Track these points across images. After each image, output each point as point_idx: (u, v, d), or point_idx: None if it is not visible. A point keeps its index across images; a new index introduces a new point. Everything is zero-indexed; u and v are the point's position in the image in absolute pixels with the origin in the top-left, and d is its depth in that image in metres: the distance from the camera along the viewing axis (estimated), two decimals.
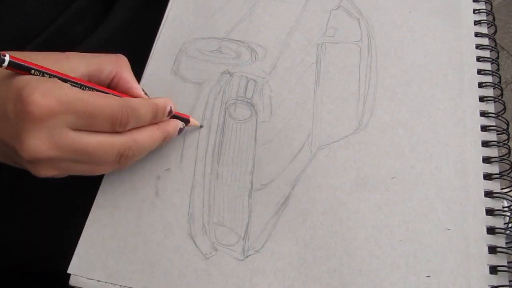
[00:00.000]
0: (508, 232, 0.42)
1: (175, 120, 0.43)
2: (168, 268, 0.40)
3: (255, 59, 0.49)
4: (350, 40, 0.50)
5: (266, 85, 0.47)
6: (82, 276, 0.40)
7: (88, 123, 0.35)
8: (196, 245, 0.41)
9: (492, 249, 0.41)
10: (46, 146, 0.33)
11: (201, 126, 0.46)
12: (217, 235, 0.41)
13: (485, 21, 0.52)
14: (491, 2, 0.54)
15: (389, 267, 0.40)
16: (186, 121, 0.44)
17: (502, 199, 0.44)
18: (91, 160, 0.36)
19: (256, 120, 0.46)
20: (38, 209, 0.49)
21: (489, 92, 0.48)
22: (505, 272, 0.40)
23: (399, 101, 0.47)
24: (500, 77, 0.50)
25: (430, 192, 0.43)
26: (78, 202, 0.42)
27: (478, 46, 0.50)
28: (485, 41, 0.51)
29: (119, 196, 0.43)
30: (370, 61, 0.49)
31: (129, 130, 0.38)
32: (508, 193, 0.46)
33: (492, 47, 0.50)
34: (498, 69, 0.50)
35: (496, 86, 0.48)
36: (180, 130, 0.43)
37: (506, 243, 0.41)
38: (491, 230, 0.42)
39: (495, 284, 0.40)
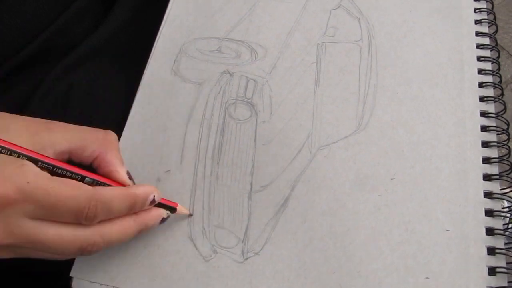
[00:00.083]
0: (507, 233, 0.42)
1: (157, 209, 0.39)
2: (168, 271, 0.40)
3: (255, 59, 0.49)
4: (350, 40, 0.50)
5: (266, 85, 0.47)
6: (84, 279, 0.40)
7: (50, 214, 0.32)
8: (196, 247, 0.41)
9: (491, 250, 0.41)
10: (0, 234, 0.31)
11: (191, 215, 0.42)
12: (217, 237, 0.41)
13: (486, 20, 0.52)
14: (492, 1, 0.54)
15: (388, 268, 0.40)
16: (172, 209, 0.40)
17: (501, 200, 0.44)
18: (50, 251, 0.33)
19: (256, 120, 0.46)
20: None
21: (489, 92, 0.48)
22: (503, 274, 0.40)
23: (399, 101, 0.47)
24: (500, 77, 0.50)
25: (430, 193, 0.43)
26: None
27: (478, 46, 0.50)
28: (485, 40, 0.51)
29: None
30: (370, 61, 0.49)
31: (98, 222, 0.35)
32: (507, 194, 0.46)
33: (493, 46, 0.50)
34: (498, 69, 0.50)
35: (496, 86, 0.48)
36: (163, 219, 0.40)
37: (505, 244, 0.41)
38: (490, 231, 0.42)
39: (493, 285, 0.40)
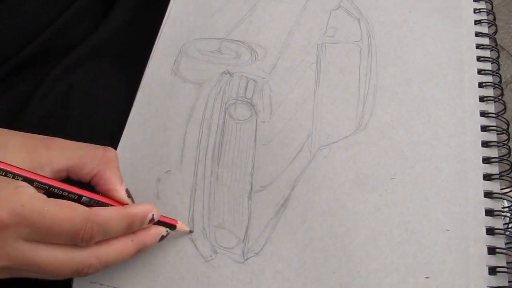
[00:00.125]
0: (507, 232, 0.42)
1: (156, 227, 0.38)
2: (169, 271, 0.40)
3: (255, 59, 0.49)
4: (350, 40, 0.50)
5: (266, 85, 0.47)
6: (84, 280, 0.40)
7: (45, 236, 0.32)
8: (196, 248, 0.41)
9: (491, 250, 0.41)
10: None
11: (191, 232, 0.42)
12: (217, 237, 0.41)
13: (486, 21, 0.52)
14: (491, 2, 0.54)
15: (388, 268, 0.40)
16: (172, 226, 0.40)
17: (501, 200, 0.44)
18: (45, 272, 0.33)
19: (256, 120, 0.46)
20: None
21: (489, 92, 0.48)
22: (504, 273, 0.40)
23: (399, 101, 0.47)
24: (500, 77, 0.50)
25: (430, 192, 0.43)
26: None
27: (478, 46, 0.50)
28: (485, 40, 0.51)
29: None
30: (370, 61, 0.49)
31: (95, 243, 0.34)
32: (508, 194, 0.46)
33: (493, 46, 0.50)
34: (498, 69, 0.50)
35: (496, 86, 0.48)
36: (163, 237, 0.39)
37: (506, 243, 0.41)
38: (490, 231, 0.42)
39: (494, 285, 0.40)
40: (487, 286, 0.40)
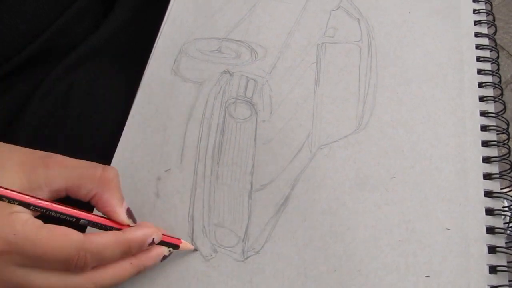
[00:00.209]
0: (508, 232, 0.42)
1: (158, 247, 0.38)
2: (168, 270, 0.40)
3: (255, 59, 0.49)
4: (350, 40, 0.50)
5: (266, 84, 0.47)
6: None
7: (38, 264, 0.32)
8: (196, 247, 0.41)
9: (492, 249, 0.41)
10: None
11: (196, 250, 0.41)
12: (217, 236, 0.41)
13: (485, 21, 0.52)
14: (491, 2, 0.54)
15: (389, 267, 0.40)
16: (175, 245, 0.39)
17: (502, 199, 0.44)
18: None
19: (256, 119, 0.46)
20: None
21: (489, 92, 0.48)
22: (504, 272, 0.40)
23: (399, 101, 0.47)
24: (500, 77, 0.50)
25: (430, 192, 0.43)
26: (79, 203, 0.43)
27: (478, 46, 0.50)
28: (485, 41, 0.51)
29: None
30: (370, 61, 0.49)
31: (92, 268, 0.34)
32: (508, 193, 0.46)
33: (492, 47, 0.50)
34: (498, 69, 0.50)
35: (496, 86, 0.48)
36: (165, 257, 0.38)
37: (506, 243, 0.41)
38: (490, 230, 0.42)
39: (494, 284, 0.40)
40: (488, 285, 0.40)
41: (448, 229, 0.41)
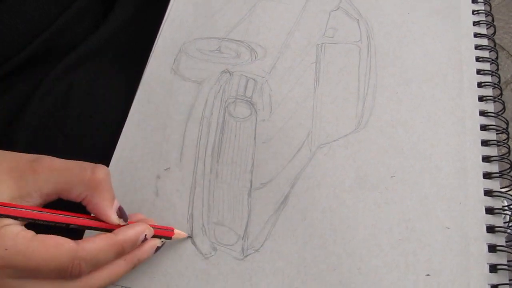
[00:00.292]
0: (508, 230, 0.42)
1: (151, 240, 0.38)
2: (168, 268, 0.40)
3: (255, 58, 0.49)
4: (349, 41, 0.50)
5: (266, 84, 0.48)
6: None
7: (32, 275, 0.32)
8: (195, 245, 0.41)
9: (492, 248, 0.41)
10: None
11: (189, 237, 0.41)
12: (217, 234, 0.41)
13: (484, 22, 0.52)
14: (490, 3, 0.54)
15: (389, 265, 0.40)
16: (168, 234, 0.39)
17: (501, 198, 0.44)
18: None
19: (256, 118, 0.46)
20: None
21: (488, 91, 0.48)
22: (505, 271, 0.40)
23: (398, 100, 0.47)
24: (499, 77, 0.50)
25: (430, 191, 0.43)
26: (79, 203, 0.42)
27: (477, 47, 0.50)
28: (484, 41, 0.51)
29: (119, 197, 0.42)
30: (370, 61, 0.49)
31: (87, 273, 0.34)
32: (507, 192, 0.46)
33: (491, 47, 0.50)
34: (497, 69, 0.50)
35: (495, 86, 0.48)
36: (158, 248, 0.38)
37: (506, 241, 0.41)
38: (490, 229, 0.42)
39: (495, 282, 0.40)
40: (488, 284, 0.39)
41: (448, 228, 0.41)
